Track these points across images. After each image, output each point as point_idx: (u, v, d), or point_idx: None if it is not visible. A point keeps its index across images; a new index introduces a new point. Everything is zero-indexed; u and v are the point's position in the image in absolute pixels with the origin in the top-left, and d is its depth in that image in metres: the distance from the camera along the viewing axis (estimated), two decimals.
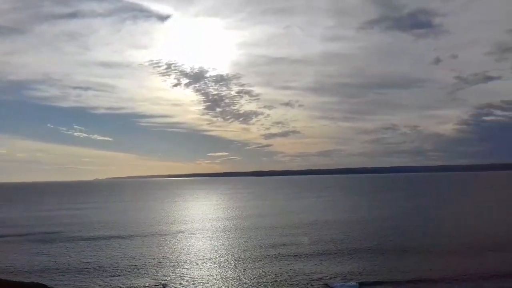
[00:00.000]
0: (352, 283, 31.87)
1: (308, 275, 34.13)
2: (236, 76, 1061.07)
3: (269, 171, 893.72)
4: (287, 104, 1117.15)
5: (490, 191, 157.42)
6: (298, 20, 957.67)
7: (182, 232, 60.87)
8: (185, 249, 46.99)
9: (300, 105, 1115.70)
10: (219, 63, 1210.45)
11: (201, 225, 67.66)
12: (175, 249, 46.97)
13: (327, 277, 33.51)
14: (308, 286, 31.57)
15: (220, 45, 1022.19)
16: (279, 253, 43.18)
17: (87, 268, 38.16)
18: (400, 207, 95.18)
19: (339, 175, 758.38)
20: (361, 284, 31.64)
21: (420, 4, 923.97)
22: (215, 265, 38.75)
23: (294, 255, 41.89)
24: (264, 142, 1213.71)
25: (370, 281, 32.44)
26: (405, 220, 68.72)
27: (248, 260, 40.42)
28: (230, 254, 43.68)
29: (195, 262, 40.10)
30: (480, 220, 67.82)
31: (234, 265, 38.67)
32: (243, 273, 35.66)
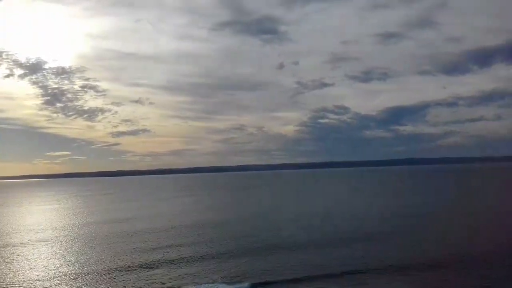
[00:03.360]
0: (243, 284, 30.87)
1: (186, 279, 32.16)
2: (80, 70, 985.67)
3: (117, 171, 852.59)
4: (137, 101, 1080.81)
5: (333, 186, 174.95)
6: (149, 15, 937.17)
7: (20, 244, 51.97)
8: (22, 265, 39.87)
9: (151, 103, 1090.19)
10: (60, 54, 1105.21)
11: (44, 235, 58.69)
12: (11, 266, 39.65)
13: (211, 279, 32.03)
14: None
15: (62, 34, 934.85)
16: (149, 260, 39.74)
17: None
18: (261, 205, 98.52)
19: (191, 174, 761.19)
20: (252, 285, 30.76)
21: (267, 11, 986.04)
22: (57, 283, 33.40)
23: (169, 261, 39.22)
24: (112, 140, 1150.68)
25: (262, 281, 31.65)
26: (271, 217, 70.60)
27: (107, 272, 35.95)
28: (80, 267, 38.22)
29: (31, 280, 34.11)
30: (335, 213, 73.14)
31: (85, 280, 33.91)
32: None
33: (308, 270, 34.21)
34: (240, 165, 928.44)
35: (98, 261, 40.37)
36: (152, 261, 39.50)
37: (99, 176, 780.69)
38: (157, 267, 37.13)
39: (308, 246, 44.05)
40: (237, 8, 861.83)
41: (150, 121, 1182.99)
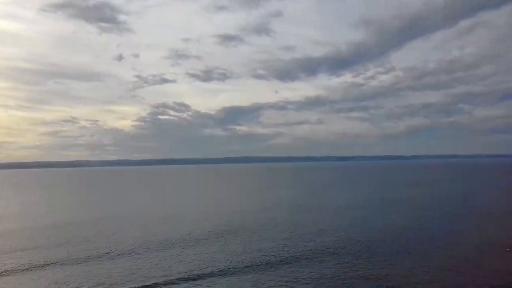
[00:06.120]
0: None
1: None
2: None
3: None
4: None
5: (172, 184, 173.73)
6: None
7: None
8: None
9: None
10: None
11: None
12: None
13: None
14: None
15: None
16: None
17: None
18: (98, 206, 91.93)
19: (11, 170, 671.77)
20: (146, 286, 29.39)
21: None
22: None
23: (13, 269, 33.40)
24: None
25: (151, 283, 30.02)
26: (113, 220, 66.20)
27: None
28: None
29: None
30: (178, 213, 72.28)
31: None
32: None
33: (156, 275, 32.68)
34: (70, 161, 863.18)
35: None
36: None
37: None
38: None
39: (149, 251, 41.99)
40: None
41: None
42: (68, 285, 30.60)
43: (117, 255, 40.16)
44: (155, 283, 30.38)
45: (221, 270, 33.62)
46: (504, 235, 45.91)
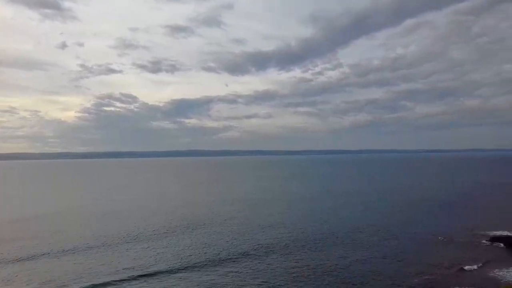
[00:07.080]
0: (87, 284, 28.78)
1: None
2: None
3: None
4: None
5: (117, 178, 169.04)
6: None
7: None
8: None
9: None
10: None
11: None
12: None
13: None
14: None
15: None
16: None
17: None
18: (42, 202, 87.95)
19: None
20: (94, 285, 28.84)
21: None
22: None
23: None
24: None
25: (100, 282, 29.41)
26: (56, 216, 63.63)
27: None
28: None
29: None
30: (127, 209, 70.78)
31: None
32: None
33: (104, 272, 32.09)
34: (10, 153, 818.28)
35: None
36: None
37: None
38: None
39: (95, 248, 40.95)
40: None
41: None
42: (14, 283, 29.46)
43: (62, 251, 38.86)
44: (105, 282, 29.64)
45: (170, 266, 33.40)
46: (439, 224, 49.31)
